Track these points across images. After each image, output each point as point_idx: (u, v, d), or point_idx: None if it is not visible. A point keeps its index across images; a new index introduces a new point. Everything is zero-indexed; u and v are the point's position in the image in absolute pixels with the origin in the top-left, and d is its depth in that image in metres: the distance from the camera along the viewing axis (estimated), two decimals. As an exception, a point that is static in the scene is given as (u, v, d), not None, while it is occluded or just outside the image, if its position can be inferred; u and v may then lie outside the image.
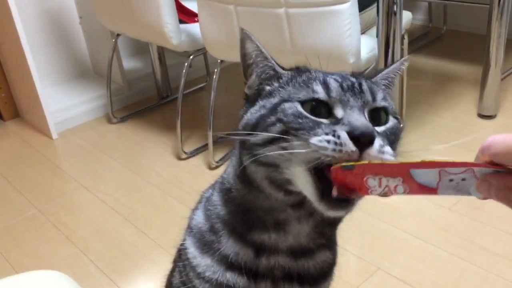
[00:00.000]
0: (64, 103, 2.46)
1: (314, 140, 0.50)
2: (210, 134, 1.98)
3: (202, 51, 2.06)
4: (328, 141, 0.49)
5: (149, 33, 2.04)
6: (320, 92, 0.54)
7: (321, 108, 0.54)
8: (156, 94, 2.65)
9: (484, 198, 0.41)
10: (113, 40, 2.35)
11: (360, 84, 0.56)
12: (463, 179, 0.41)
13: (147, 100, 2.63)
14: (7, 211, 1.88)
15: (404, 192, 0.43)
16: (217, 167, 1.98)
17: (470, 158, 0.42)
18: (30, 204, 1.90)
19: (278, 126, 0.53)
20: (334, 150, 0.49)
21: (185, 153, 2.09)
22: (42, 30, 2.53)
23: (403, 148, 0.57)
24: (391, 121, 0.57)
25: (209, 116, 1.98)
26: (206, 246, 0.63)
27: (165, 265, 0.83)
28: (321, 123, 0.52)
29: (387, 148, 0.50)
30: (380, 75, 0.63)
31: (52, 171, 2.13)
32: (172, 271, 0.74)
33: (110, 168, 2.11)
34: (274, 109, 0.55)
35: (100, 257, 1.61)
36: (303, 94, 0.55)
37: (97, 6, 2.22)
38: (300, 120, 0.52)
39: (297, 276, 0.63)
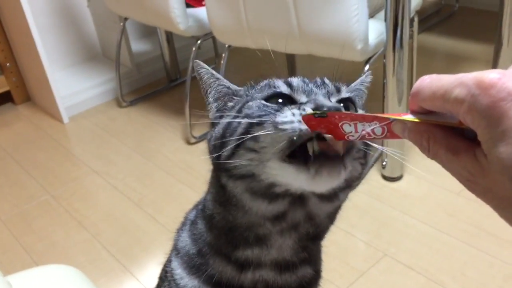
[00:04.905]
0: (74, 87, 2.48)
1: (279, 118, 0.49)
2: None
3: (209, 36, 2.04)
4: (294, 114, 0.48)
5: (156, 18, 2.03)
6: (282, 86, 0.55)
7: (285, 103, 0.53)
8: (165, 77, 2.65)
9: None
10: (121, 24, 2.34)
11: (322, 79, 0.57)
12: None
13: (156, 83, 2.63)
14: (21, 196, 1.92)
15: (382, 134, 0.42)
16: (226, 151, 1.99)
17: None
18: (43, 189, 1.94)
19: (244, 123, 0.52)
20: (300, 121, 0.47)
21: (194, 137, 2.10)
22: (50, 14, 2.53)
23: None
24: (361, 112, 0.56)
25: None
26: (195, 268, 0.64)
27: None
28: (287, 107, 0.52)
29: None
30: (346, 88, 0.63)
31: (64, 156, 2.16)
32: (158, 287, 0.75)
33: (120, 152, 2.13)
34: (239, 112, 0.55)
35: (112, 243, 1.64)
36: (265, 92, 0.55)
37: (104, -10, 2.21)
38: (265, 109, 0.52)
39: None
